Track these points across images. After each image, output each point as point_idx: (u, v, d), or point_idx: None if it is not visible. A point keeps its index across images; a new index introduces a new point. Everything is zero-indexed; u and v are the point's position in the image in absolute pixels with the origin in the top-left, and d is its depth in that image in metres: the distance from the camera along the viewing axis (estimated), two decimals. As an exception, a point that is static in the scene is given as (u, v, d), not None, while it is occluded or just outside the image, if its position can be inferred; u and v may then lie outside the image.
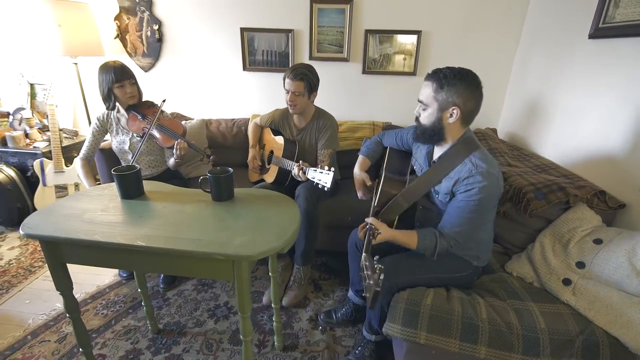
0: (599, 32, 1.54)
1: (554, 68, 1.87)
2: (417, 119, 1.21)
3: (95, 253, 1.02)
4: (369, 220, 1.19)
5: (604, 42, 1.54)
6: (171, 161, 1.82)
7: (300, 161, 1.55)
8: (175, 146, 1.69)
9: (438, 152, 1.24)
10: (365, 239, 1.12)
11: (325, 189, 1.38)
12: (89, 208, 1.13)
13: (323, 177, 1.38)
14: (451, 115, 1.11)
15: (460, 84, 1.07)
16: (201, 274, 1.06)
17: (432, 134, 1.17)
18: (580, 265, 1.23)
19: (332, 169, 1.36)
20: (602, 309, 1.11)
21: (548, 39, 1.95)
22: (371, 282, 0.88)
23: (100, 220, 1.05)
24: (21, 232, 0.99)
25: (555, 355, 1.06)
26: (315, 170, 1.42)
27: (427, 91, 1.13)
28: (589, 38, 1.60)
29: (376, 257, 0.97)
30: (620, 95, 1.44)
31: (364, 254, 1.00)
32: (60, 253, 1.03)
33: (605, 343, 1.06)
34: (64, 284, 1.09)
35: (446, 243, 1.18)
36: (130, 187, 1.20)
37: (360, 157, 1.61)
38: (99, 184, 2.06)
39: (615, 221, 1.39)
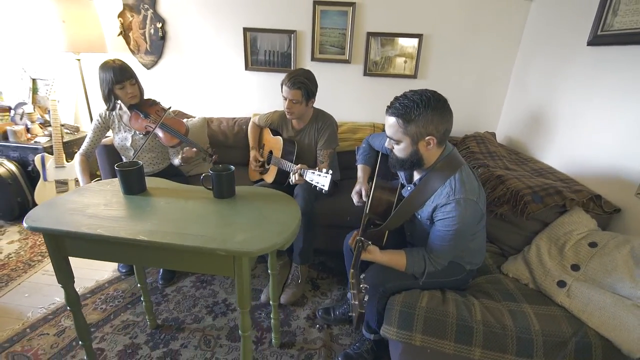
0: (597, 39, 1.57)
1: (553, 74, 1.89)
2: (390, 151, 1.17)
3: (98, 247, 1.04)
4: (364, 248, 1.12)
5: (602, 50, 1.56)
6: (176, 161, 1.85)
7: (299, 164, 1.55)
8: (181, 151, 1.71)
9: (418, 173, 1.21)
10: (355, 252, 1.08)
11: (323, 191, 1.36)
12: (92, 203, 1.14)
13: (321, 179, 1.36)
14: (428, 144, 1.07)
15: (428, 112, 1.01)
16: (202, 269, 1.07)
17: (411, 165, 1.13)
18: (575, 268, 1.25)
19: (330, 171, 1.34)
20: (596, 312, 1.13)
21: (548, 45, 1.97)
22: (356, 302, 0.86)
23: (103, 214, 1.06)
24: (25, 224, 1.00)
25: (548, 357, 1.08)
26: (313, 173, 1.41)
27: (394, 127, 1.07)
28: (588, 45, 1.62)
29: (363, 276, 0.94)
30: (617, 102, 1.46)
31: (351, 270, 0.97)
32: (63, 246, 1.04)
33: (597, 345, 1.08)
34: (65, 277, 1.10)
35: (433, 268, 1.19)
36: (133, 183, 1.21)
37: (360, 166, 1.59)
38: (99, 179, 2.06)
39: (610, 225, 1.42)
